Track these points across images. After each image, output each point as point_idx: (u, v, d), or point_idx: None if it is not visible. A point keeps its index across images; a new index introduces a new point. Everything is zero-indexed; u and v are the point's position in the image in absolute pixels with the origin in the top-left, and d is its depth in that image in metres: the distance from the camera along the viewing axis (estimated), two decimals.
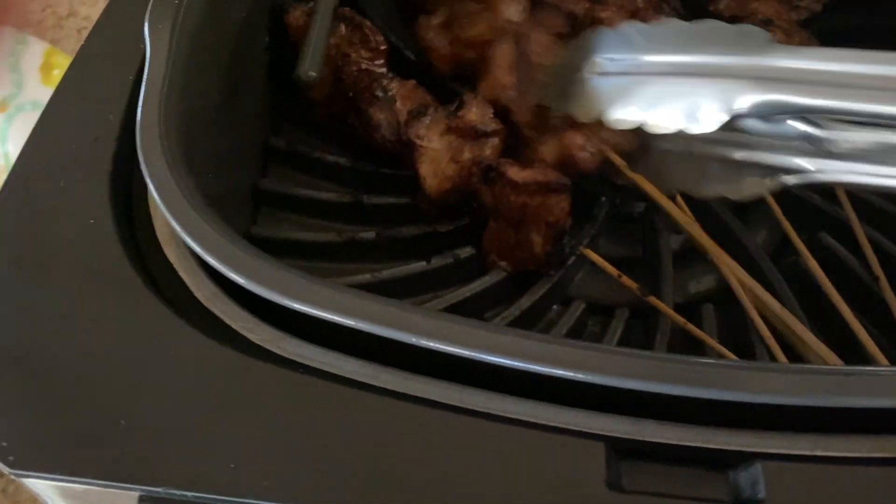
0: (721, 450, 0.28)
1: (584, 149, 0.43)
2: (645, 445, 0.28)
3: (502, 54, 0.45)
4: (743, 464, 0.28)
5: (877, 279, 0.43)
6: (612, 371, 0.28)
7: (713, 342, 0.41)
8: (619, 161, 0.44)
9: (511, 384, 0.29)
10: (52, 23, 0.72)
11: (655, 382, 0.28)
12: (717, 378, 0.28)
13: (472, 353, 0.28)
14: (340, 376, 0.30)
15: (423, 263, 0.44)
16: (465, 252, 0.45)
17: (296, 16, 0.47)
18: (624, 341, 0.43)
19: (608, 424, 0.28)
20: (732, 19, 0.54)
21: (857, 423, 0.29)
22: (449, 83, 0.49)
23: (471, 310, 0.43)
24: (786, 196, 0.47)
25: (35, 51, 0.67)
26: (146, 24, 0.37)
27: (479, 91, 0.46)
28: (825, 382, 0.28)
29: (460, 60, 0.48)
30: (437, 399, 0.29)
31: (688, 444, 0.28)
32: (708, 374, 0.28)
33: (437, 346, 0.28)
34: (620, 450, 0.28)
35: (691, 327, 0.41)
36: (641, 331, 0.44)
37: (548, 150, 0.44)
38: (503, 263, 0.43)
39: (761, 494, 0.27)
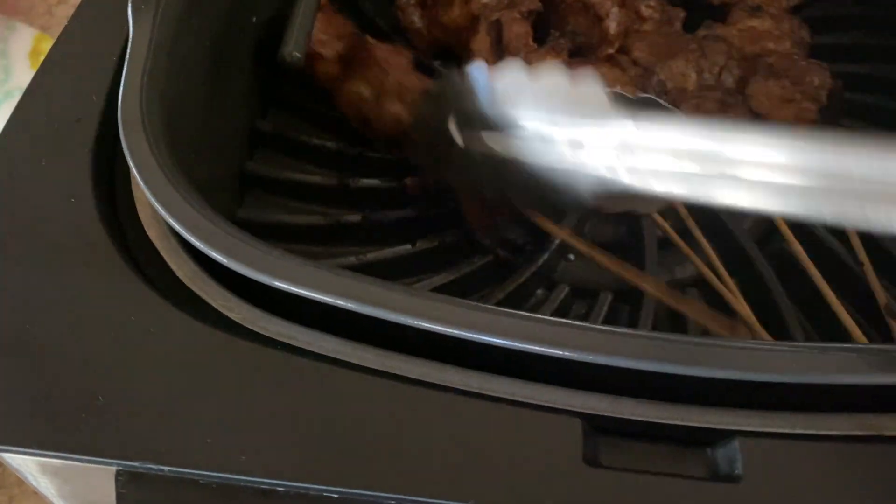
0: (699, 427, 0.28)
1: None
2: (623, 423, 0.28)
3: (481, 40, 0.45)
4: (721, 441, 0.28)
5: (862, 265, 0.44)
6: (589, 348, 0.28)
7: (697, 314, 0.41)
8: None
9: (489, 361, 0.29)
10: (42, 10, 0.72)
11: (631, 359, 0.27)
12: (693, 355, 0.28)
13: (450, 330, 0.28)
14: (319, 354, 0.30)
15: (409, 247, 0.44)
16: (451, 236, 0.45)
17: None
18: (608, 324, 0.43)
19: (586, 401, 0.28)
20: (722, 6, 0.54)
21: (836, 400, 0.29)
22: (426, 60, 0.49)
23: (455, 293, 0.43)
24: None
25: (24, 37, 0.67)
26: (129, 5, 0.37)
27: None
28: (802, 360, 0.28)
29: (438, 41, 0.48)
30: (416, 377, 0.29)
31: (665, 421, 0.28)
32: (685, 351, 0.28)
33: (415, 322, 0.28)
34: (598, 427, 0.28)
35: (673, 301, 0.41)
36: (626, 314, 0.44)
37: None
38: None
39: (738, 471, 0.27)
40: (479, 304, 0.29)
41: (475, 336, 0.28)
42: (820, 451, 0.28)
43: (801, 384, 0.28)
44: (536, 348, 0.28)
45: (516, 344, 0.28)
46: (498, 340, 0.28)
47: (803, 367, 0.28)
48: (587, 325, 0.29)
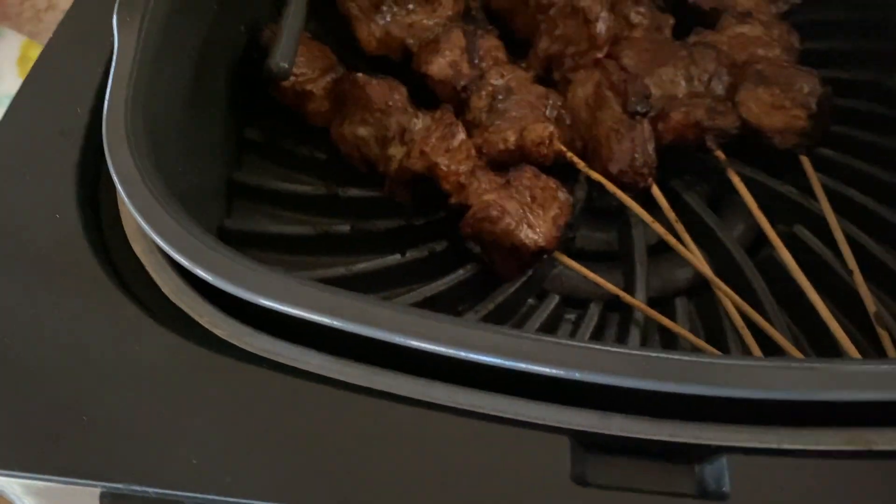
0: (687, 444, 0.28)
1: (539, 144, 0.43)
2: (611, 439, 0.28)
3: (456, 38, 0.45)
4: (709, 457, 0.28)
5: (851, 272, 0.43)
6: (577, 365, 0.28)
7: (685, 332, 0.41)
8: (578, 161, 0.44)
9: (477, 378, 0.29)
10: (30, 15, 0.71)
11: (619, 376, 0.27)
12: (683, 372, 0.28)
13: (434, 347, 0.28)
14: (306, 371, 0.29)
15: (398, 257, 0.44)
16: (440, 246, 0.45)
17: (270, 36, 0.46)
18: (598, 334, 0.43)
19: (574, 418, 0.28)
20: (711, 11, 0.54)
21: (825, 415, 0.29)
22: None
23: (445, 303, 0.43)
24: (761, 188, 0.47)
25: (12, 44, 0.67)
26: (115, 17, 0.37)
27: (431, 74, 0.46)
28: (791, 376, 0.28)
29: (393, 44, 0.48)
30: (404, 393, 0.29)
31: (653, 437, 0.28)
32: (673, 367, 0.28)
33: (400, 339, 0.28)
34: (586, 443, 0.28)
35: (662, 318, 0.41)
36: (616, 323, 0.44)
37: (501, 138, 0.44)
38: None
39: (726, 488, 0.27)
40: (464, 320, 0.29)
41: (458, 353, 0.28)
42: (808, 466, 0.28)
43: (790, 400, 0.28)
44: (521, 365, 0.28)
45: (500, 360, 0.28)
46: (482, 357, 0.28)
47: (792, 383, 0.28)
48: (571, 342, 0.29)
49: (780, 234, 0.45)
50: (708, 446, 0.28)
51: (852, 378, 0.28)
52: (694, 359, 0.29)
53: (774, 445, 0.28)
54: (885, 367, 0.29)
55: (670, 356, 0.29)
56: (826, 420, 0.29)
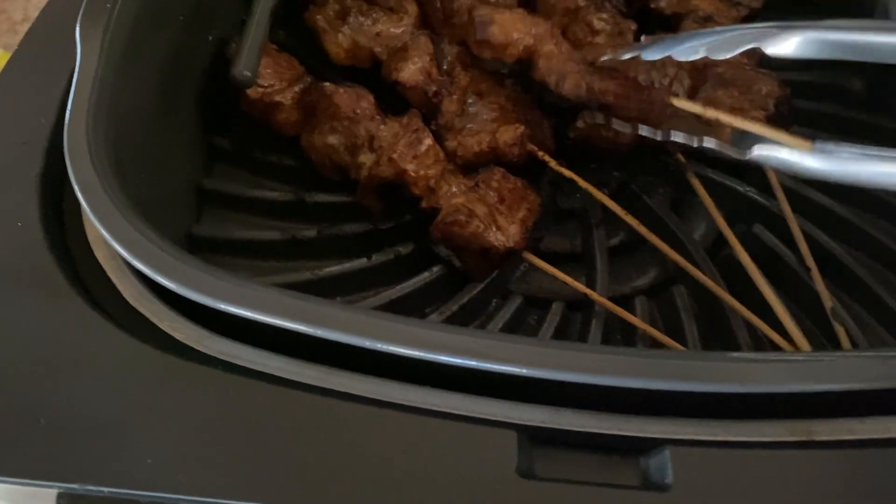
0: (632, 436, 0.29)
1: (512, 145, 0.44)
2: (558, 433, 0.29)
3: (425, 44, 0.46)
4: (653, 450, 0.29)
5: (809, 270, 0.44)
6: (523, 362, 0.28)
7: (647, 327, 0.42)
8: (550, 160, 0.45)
9: (432, 376, 0.30)
10: (5, 28, 0.72)
11: (563, 372, 0.28)
12: (628, 367, 0.29)
13: (388, 347, 0.29)
14: (263, 373, 0.30)
15: (365, 260, 0.45)
16: (406, 248, 0.45)
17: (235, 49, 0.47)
18: (560, 333, 0.43)
19: (524, 414, 0.29)
20: (674, 16, 0.55)
21: (767, 407, 0.30)
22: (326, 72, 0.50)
23: (412, 305, 0.44)
24: (722, 189, 0.48)
25: None
26: (77, 29, 0.38)
27: (402, 81, 0.47)
28: (731, 370, 0.29)
29: (362, 54, 0.49)
30: (358, 392, 0.30)
31: (601, 430, 0.29)
32: (619, 363, 0.29)
33: (353, 340, 0.29)
34: (535, 438, 0.29)
35: (626, 314, 0.42)
36: (578, 323, 0.44)
37: (475, 140, 0.45)
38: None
39: (668, 479, 0.28)
40: (417, 320, 0.30)
41: (411, 352, 0.29)
42: (751, 457, 0.29)
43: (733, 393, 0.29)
44: (472, 363, 0.28)
45: (449, 358, 0.28)
46: (433, 356, 0.29)
47: (739, 376, 0.29)
48: (520, 338, 0.29)
49: (740, 234, 0.45)
50: (652, 438, 0.29)
51: (794, 370, 0.29)
52: (641, 354, 0.30)
53: (719, 437, 0.29)
54: (825, 359, 0.30)
55: (617, 351, 0.30)
56: (770, 412, 0.30)
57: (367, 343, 0.29)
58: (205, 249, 0.45)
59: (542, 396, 0.30)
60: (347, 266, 0.45)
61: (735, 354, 0.35)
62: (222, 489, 0.27)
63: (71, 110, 0.35)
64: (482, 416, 0.29)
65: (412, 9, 0.49)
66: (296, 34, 0.52)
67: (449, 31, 0.50)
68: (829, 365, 0.30)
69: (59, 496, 0.27)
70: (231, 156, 0.49)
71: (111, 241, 0.31)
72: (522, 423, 0.29)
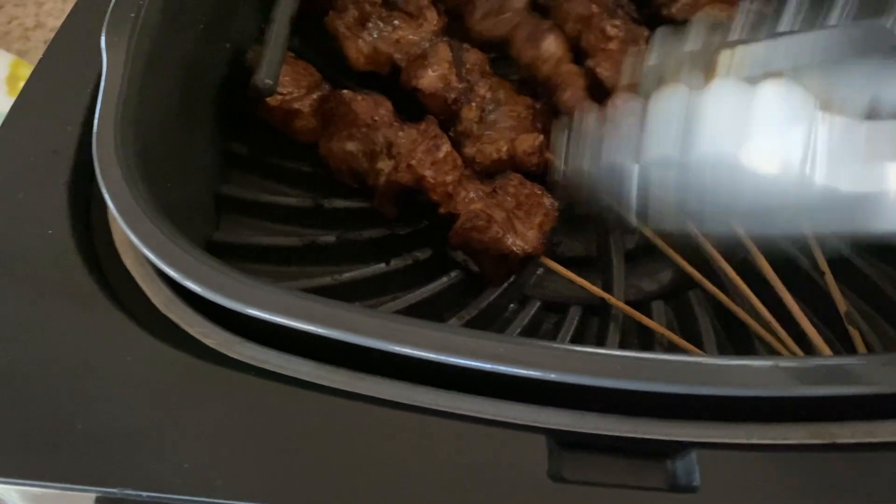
0: (659, 440, 0.29)
1: (530, 154, 0.45)
2: (586, 437, 0.29)
3: (443, 52, 0.47)
4: (680, 453, 0.29)
5: (822, 274, 0.45)
6: (552, 367, 0.29)
7: (665, 330, 0.42)
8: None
9: (459, 380, 0.30)
10: (18, 34, 0.72)
11: (593, 377, 0.29)
12: (654, 371, 0.29)
13: (415, 352, 0.29)
14: (293, 378, 0.31)
15: (383, 265, 0.45)
16: (424, 254, 0.46)
17: (253, 56, 0.47)
18: (578, 337, 0.44)
19: (550, 417, 0.30)
20: (685, 22, 0.56)
21: (791, 410, 0.30)
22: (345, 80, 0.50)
23: (430, 310, 0.44)
24: None
25: (1, 62, 0.67)
26: (103, 38, 0.38)
27: (421, 88, 0.47)
28: (758, 374, 0.29)
29: (381, 60, 0.49)
30: (387, 397, 0.30)
31: (627, 434, 0.29)
32: (644, 367, 0.29)
33: (380, 345, 0.29)
34: (562, 442, 0.29)
35: (643, 317, 0.42)
36: (595, 327, 0.45)
37: (494, 148, 0.45)
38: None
39: (696, 482, 0.28)
40: (442, 325, 0.30)
41: (438, 357, 0.29)
42: (775, 460, 0.29)
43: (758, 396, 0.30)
44: (501, 368, 0.29)
45: (479, 364, 0.29)
46: (462, 361, 0.29)
47: (761, 380, 0.29)
48: (549, 343, 0.30)
49: (755, 239, 0.46)
50: (678, 442, 0.29)
51: (814, 374, 0.30)
52: (670, 358, 0.31)
53: (743, 440, 0.29)
54: (844, 362, 0.30)
55: (647, 357, 0.30)
56: (793, 415, 0.30)
57: (404, 350, 0.29)
58: (224, 256, 0.45)
59: (567, 400, 0.30)
60: (367, 271, 0.45)
61: (757, 359, 0.36)
62: (259, 493, 0.28)
63: (99, 119, 0.35)
64: (511, 421, 0.29)
65: (431, 15, 0.50)
66: (310, 42, 0.53)
67: None
68: (852, 369, 0.30)
69: (98, 500, 0.28)
70: (247, 162, 0.50)
71: (142, 248, 0.32)
72: (550, 426, 0.29)
